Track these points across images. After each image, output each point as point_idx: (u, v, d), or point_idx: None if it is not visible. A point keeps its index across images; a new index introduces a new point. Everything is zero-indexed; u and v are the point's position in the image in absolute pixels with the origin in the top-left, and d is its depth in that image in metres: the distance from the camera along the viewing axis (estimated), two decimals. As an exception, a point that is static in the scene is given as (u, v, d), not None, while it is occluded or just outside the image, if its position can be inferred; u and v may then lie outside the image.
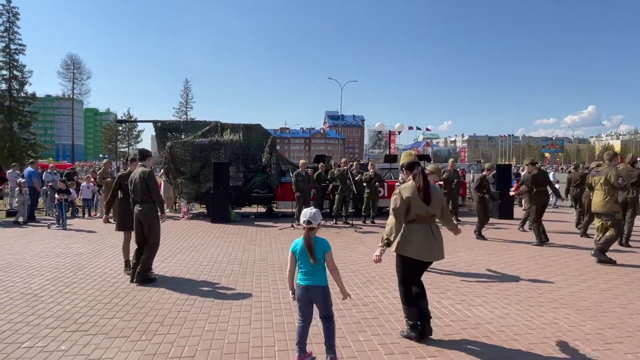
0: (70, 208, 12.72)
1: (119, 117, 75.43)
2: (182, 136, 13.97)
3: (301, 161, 12.20)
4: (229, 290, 5.39)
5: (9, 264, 6.70)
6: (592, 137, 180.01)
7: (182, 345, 3.69)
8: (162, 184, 14.70)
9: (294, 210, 11.68)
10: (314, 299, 3.24)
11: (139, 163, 5.89)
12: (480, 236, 9.32)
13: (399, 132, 31.22)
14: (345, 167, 12.72)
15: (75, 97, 56.39)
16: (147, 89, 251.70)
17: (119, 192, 6.23)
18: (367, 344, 3.75)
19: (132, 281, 5.69)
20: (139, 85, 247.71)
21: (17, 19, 38.88)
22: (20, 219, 11.37)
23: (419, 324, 3.79)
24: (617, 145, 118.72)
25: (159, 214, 5.76)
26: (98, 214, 13.28)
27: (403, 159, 4.14)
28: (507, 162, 59.73)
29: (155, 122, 14.29)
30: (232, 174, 12.97)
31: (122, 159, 59.72)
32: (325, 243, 3.28)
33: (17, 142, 37.40)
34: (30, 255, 7.41)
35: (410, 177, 3.97)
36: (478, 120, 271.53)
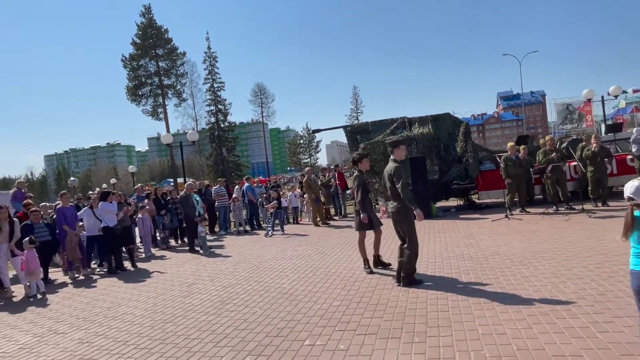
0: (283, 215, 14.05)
1: (297, 132, 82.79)
2: (371, 136, 14.14)
3: (509, 144, 11.02)
4: (475, 288, 4.90)
5: (255, 267, 7.53)
6: None
7: (465, 349, 3.34)
8: (358, 185, 15.18)
9: (505, 199, 10.57)
10: None
11: (391, 157, 5.62)
12: None
13: (590, 100, 26.54)
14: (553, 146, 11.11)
15: (264, 119, 64.24)
16: (319, 102, 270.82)
17: (364, 191, 6.28)
18: None
19: (398, 283, 5.43)
20: (312, 99, 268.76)
21: (216, 61, 46.39)
22: (241, 228, 13.10)
23: None
24: None
25: (414, 211, 5.29)
26: (307, 219, 14.29)
27: None
28: None
29: (345, 127, 14.86)
30: (428, 167, 12.50)
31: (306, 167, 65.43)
32: None
33: (226, 164, 44.37)
34: (268, 258, 8.23)
35: None
36: None
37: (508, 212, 10.12)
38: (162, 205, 11.67)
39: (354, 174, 6.55)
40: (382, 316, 4.31)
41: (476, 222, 10.00)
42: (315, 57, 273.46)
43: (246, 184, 14.47)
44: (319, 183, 13.73)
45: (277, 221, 12.32)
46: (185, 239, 12.13)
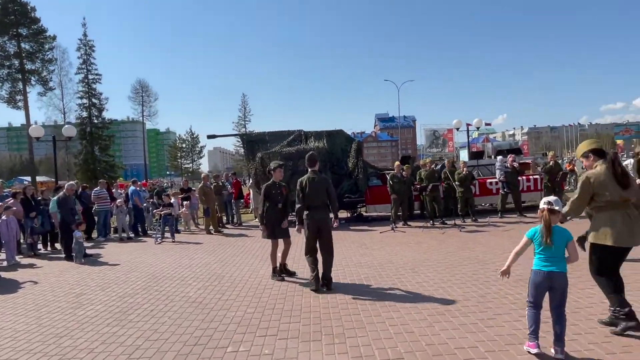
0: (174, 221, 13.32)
1: (180, 135, 78.88)
2: (268, 146, 14.32)
3: (396, 163, 12.14)
4: (378, 293, 5.37)
5: (152, 275, 7.10)
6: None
7: (382, 347, 3.68)
8: (252, 194, 15.17)
9: (391, 212, 11.58)
10: (555, 285, 3.24)
11: (310, 169, 5.98)
12: None
13: (458, 129, 30.88)
14: (432, 167, 12.68)
15: (145, 119, 59.94)
16: (203, 106, 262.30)
17: (267, 202, 6.39)
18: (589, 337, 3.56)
19: (322, 289, 5.66)
20: (196, 103, 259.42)
21: (93, 50, 42.07)
22: (124, 235, 12.13)
23: (631, 310, 3.64)
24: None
25: (333, 220, 5.90)
26: (193, 227, 13.69)
27: (588, 146, 4.05)
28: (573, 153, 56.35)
29: (241, 135, 14.84)
30: (322, 180, 13.09)
31: (185, 175, 62.50)
32: (567, 232, 3.29)
33: (98, 164, 40.28)
34: (164, 266, 7.81)
35: (601, 162, 3.82)
36: (535, 111, 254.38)
37: (393, 224, 11.12)
38: (32, 207, 10.26)
39: (265, 184, 6.61)
40: (300, 321, 4.48)
41: (366, 233, 10.77)
42: (201, 63, 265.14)
43: (132, 188, 13.45)
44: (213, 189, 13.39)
45: (166, 228, 11.70)
46: (57, 245, 10.86)
